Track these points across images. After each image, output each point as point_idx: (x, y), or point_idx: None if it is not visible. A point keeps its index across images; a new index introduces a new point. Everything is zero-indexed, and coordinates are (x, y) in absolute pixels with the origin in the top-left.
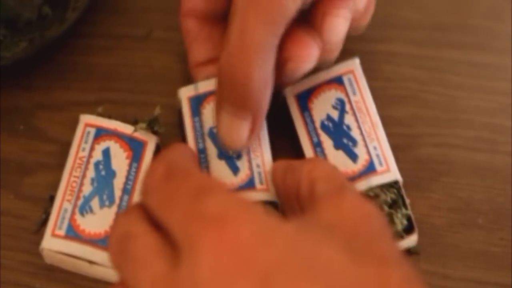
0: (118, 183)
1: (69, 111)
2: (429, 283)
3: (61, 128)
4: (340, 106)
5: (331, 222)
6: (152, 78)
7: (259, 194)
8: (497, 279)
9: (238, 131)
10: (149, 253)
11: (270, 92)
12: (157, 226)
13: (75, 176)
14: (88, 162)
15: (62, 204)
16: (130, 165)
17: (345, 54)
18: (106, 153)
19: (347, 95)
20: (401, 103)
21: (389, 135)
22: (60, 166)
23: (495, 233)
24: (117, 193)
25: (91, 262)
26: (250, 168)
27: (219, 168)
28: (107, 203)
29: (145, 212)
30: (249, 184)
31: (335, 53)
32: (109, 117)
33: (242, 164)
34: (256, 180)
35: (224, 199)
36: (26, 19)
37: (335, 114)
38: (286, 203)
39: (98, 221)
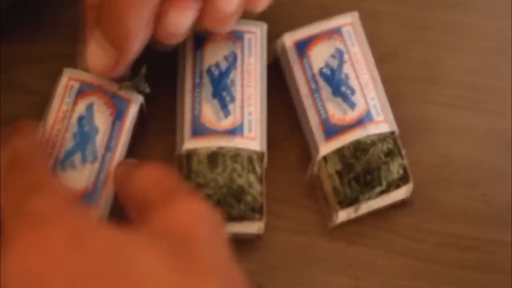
0: (101, 139)
1: (50, 63)
2: (409, 237)
3: (42, 80)
4: (339, 55)
5: (159, 230)
6: None
7: (246, 141)
8: (477, 234)
9: (103, 59)
10: None
11: (143, 40)
12: None
13: (57, 130)
14: (71, 116)
15: None
16: (114, 123)
17: (329, 10)
18: (90, 108)
19: (345, 45)
20: (383, 61)
21: None
22: (41, 117)
23: (476, 189)
24: (100, 150)
25: None
26: (241, 114)
27: (210, 107)
28: (89, 159)
29: None
30: (238, 130)
31: (228, 22)
32: None
33: (234, 108)
34: (245, 127)
35: (49, 200)
36: None
37: (333, 63)
38: (126, 209)
39: (79, 177)
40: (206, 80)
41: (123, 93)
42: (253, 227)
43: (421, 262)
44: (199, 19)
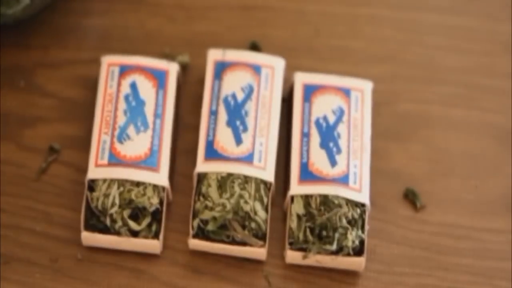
0: (149, 109)
1: (66, 68)
2: (407, 227)
3: (59, 84)
4: (339, 113)
5: None
6: (144, 39)
7: (255, 170)
8: (471, 223)
9: None
10: None
11: None
12: None
13: (107, 111)
14: (117, 96)
15: (100, 137)
16: (157, 93)
17: (328, 16)
18: (133, 86)
19: (348, 108)
20: (381, 62)
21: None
22: (58, 119)
23: (470, 181)
24: (150, 118)
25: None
26: (253, 144)
27: (224, 134)
28: (142, 128)
29: None
30: (248, 158)
31: None
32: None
33: (246, 137)
34: (255, 156)
35: None
36: None
37: (331, 118)
38: None
39: (137, 145)
40: (222, 108)
41: (161, 64)
42: (255, 253)
43: (419, 251)
44: None
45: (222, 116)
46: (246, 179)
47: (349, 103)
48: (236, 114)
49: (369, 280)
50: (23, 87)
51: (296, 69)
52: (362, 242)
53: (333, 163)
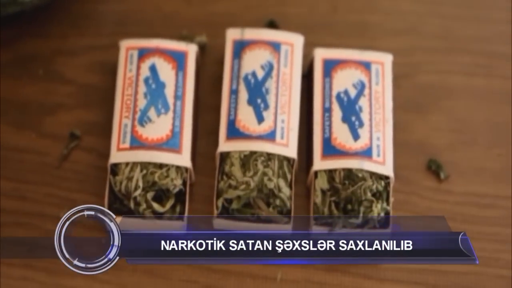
0: (170, 91)
1: (84, 55)
2: (432, 198)
3: (78, 71)
4: (360, 87)
5: None
6: (162, 21)
7: (278, 147)
8: (495, 192)
9: None
10: None
11: None
12: None
13: (127, 95)
14: (137, 80)
15: (121, 121)
16: (177, 74)
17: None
18: (153, 68)
19: (369, 81)
20: (400, 35)
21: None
22: (78, 105)
23: (493, 150)
24: (170, 100)
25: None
26: (275, 121)
27: (246, 112)
28: (163, 110)
29: None
30: (270, 136)
31: None
32: None
33: (268, 115)
34: (278, 134)
35: None
36: None
37: (352, 92)
38: None
39: (158, 127)
40: (242, 87)
41: (179, 46)
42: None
43: None
44: None
45: (243, 94)
46: (269, 156)
47: (369, 76)
48: (257, 92)
49: None
50: (42, 75)
51: (315, 45)
52: (387, 215)
53: (355, 136)
